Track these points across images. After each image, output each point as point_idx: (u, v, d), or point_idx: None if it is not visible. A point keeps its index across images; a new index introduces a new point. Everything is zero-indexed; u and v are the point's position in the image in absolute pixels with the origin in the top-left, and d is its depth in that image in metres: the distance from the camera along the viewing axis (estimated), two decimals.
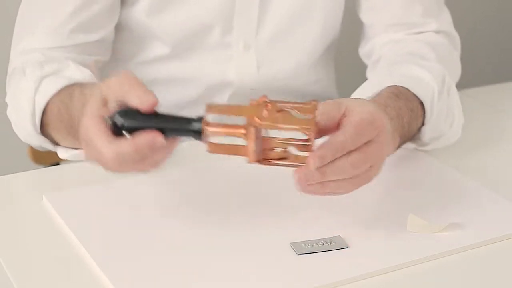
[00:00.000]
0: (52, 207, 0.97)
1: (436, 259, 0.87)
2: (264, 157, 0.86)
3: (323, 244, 0.88)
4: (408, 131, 1.04)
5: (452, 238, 0.90)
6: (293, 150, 0.87)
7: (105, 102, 0.87)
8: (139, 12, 1.22)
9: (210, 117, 0.86)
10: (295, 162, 0.86)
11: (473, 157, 1.11)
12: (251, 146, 0.84)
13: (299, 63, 1.31)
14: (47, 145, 1.09)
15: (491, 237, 0.90)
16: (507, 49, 2.55)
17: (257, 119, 0.84)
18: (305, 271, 0.84)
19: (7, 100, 1.12)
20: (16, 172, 1.08)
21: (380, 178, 0.92)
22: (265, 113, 0.85)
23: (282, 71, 1.30)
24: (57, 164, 1.45)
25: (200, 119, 0.85)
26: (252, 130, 0.84)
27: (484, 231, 0.91)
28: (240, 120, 0.85)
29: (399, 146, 1.03)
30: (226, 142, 0.86)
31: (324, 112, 0.87)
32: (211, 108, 0.85)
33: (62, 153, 1.08)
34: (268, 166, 0.87)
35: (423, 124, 1.07)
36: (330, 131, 0.87)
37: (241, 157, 0.85)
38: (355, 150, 0.86)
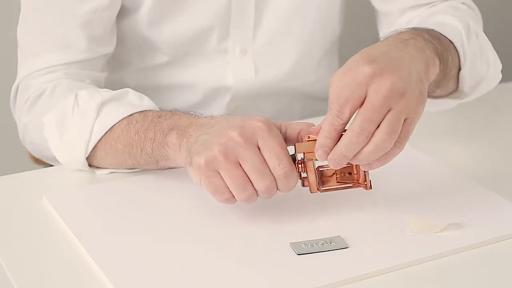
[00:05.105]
0: (52, 207, 0.97)
1: (436, 259, 0.87)
2: (323, 186, 0.93)
3: (323, 244, 0.88)
4: (443, 56, 0.97)
5: (452, 238, 0.90)
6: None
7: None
8: (138, 24, 1.21)
9: None
10: (351, 182, 0.93)
11: (473, 157, 1.11)
12: (311, 178, 0.91)
13: (296, 64, 1.30)
14: (84, 167, 1.05)
15: (491, 237, 0.90)
16: (507, 49, 2.55)
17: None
18: (305, 271, 0.84)
19: (45, 120, 1.06)
20: (16, 172, 1.08)
21: (380, 178, 0.92)
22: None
23: (280, 73, 1.30)
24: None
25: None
26: (310, 163, 0.90)
27: (484, 231, 0.91)
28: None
29: (446, 70, 0.98)
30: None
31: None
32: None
33: (100, 171, 1.06)
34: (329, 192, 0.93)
35: (459, 69, 1.04)
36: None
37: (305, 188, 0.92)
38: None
